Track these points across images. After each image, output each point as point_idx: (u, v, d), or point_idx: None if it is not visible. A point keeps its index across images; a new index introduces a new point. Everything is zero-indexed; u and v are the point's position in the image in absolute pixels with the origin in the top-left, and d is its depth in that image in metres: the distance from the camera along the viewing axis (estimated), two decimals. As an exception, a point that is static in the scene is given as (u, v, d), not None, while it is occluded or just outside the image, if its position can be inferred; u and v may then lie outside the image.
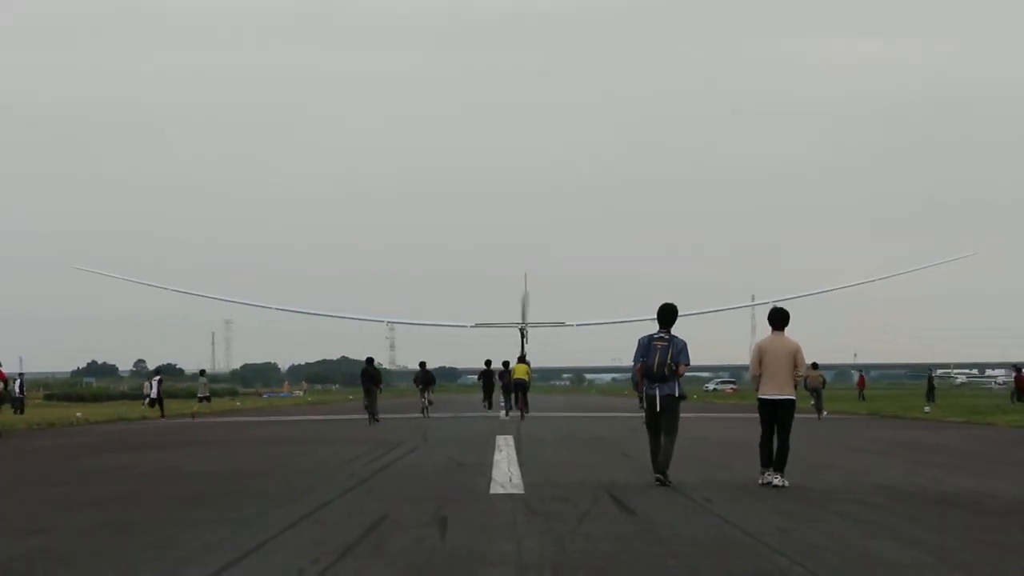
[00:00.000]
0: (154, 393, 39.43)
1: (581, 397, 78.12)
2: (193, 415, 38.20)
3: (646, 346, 11.57)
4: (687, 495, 10.48)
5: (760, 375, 11.53)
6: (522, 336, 58.79)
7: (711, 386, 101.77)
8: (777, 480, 11.28)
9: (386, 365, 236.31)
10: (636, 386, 12.21)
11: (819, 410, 32.44)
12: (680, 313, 11.91)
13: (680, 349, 11.53)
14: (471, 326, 76.60)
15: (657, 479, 11.45)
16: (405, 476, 12.68)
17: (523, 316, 59.22)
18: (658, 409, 11.52)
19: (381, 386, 30.86)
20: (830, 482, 11.86)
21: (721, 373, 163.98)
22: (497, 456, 15.36)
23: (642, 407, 11.89)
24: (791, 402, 11.49)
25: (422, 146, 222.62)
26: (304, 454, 16.94)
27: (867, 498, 10.31)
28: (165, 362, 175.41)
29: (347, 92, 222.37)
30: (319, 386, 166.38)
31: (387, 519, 8.79)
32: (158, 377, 40.72)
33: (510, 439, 19.55)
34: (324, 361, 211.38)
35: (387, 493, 10.87)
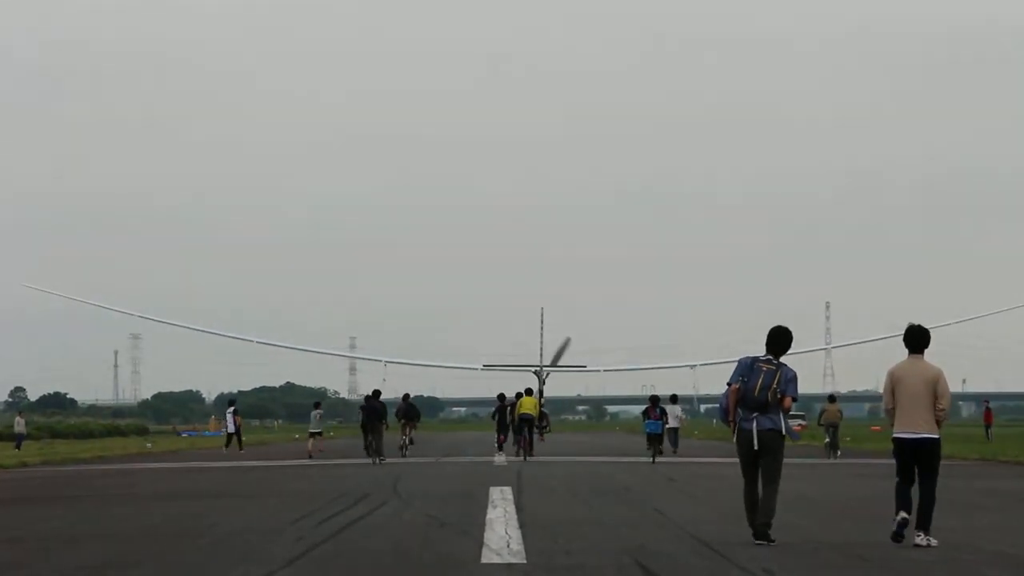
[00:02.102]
0: (231, 427, 42.95)
1: (601, 436, 78.12)
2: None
3: (748, 367, 11.93)
4: (742, 565, 10.49)
5: (893, 408, 11.84)
6: (539, 380, 60.46)
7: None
8: (921, 539, 11.57)
9: (344, 395, 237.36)
10: (725, 416, 12.30)
11: (834, 448, 35.27)
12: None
13: (790, 379, 11.89)
14: (480, 368, 79.46)
15: (757, 541, 11.77)
16: (370, 540, 12.66)
17: (541, 357, 61.52)
18: (756, 447, 11.85)
19: (386, 423, 34.89)
20: (931, 549, 11.87)
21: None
22: (491, 513, 15.36)
23: (732, 439, 12.16)
24: (934, 442, 11.78)
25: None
26: (237, 511, 16.93)
27: (980, 570, 10.31)
28: (52, 390, 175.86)
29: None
30: (257, 422, 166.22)
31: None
32: (233, 408, 44.05)
33: (507, 491, 19.55)
34: (263, 389, 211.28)
35: (345, 563, 10.85)
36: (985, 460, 34.15)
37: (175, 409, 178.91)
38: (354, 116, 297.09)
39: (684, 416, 40.68)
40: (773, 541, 11.76)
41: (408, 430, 38.47)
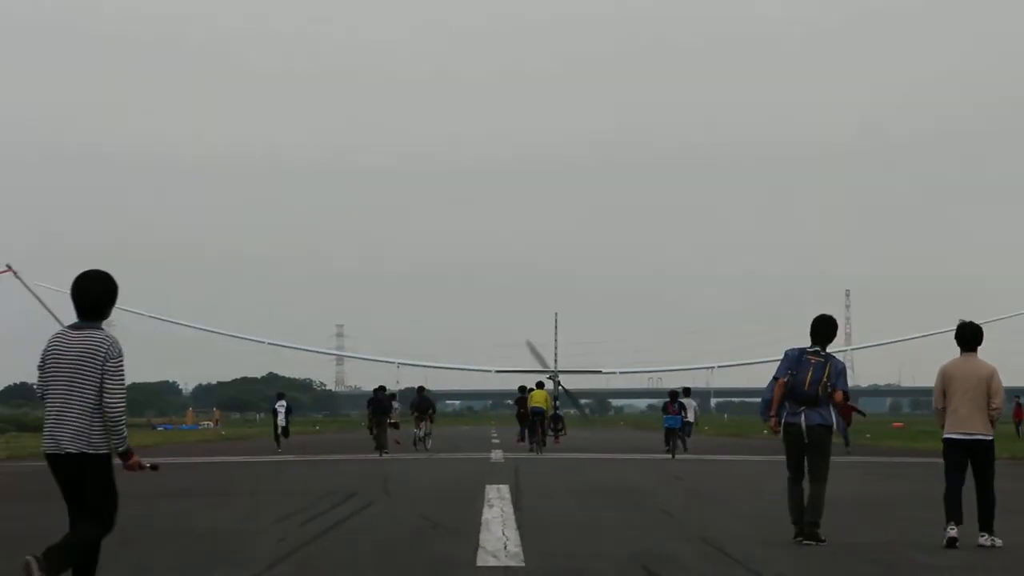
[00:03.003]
0: (283, 420, 42.93)
1: (605, 432, 78.25)
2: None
3: (796, 359, 12.19)
4: (755, 570, 10.48)
5: (944, 408, 12.06)
6: (554, 384, 61.92)
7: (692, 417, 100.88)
8: (986, 540, 11.82)
9: (330, 386, 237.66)
10: (766, 409, 12.49)
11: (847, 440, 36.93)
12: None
13: (839, 371, 12.17)
14: (494, 371, 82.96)
15: (801, 540, 11.97)
16: (357, 542, 12.66)
17: (556, 362, 63.41)
18: (806, 441, 12.11)
19: (392, 417, 38.39)
20: (956, 555, 11.87)
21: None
22: (487, 514, 15.36)
23: (776, 432, 12.40)
24: (988, 443, 12.00)
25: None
26: (216, 510, 16.92)
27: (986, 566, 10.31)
28: (17, 380, 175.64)
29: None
30: (237, 415, 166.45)
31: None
32: (283, 401, 43.79)
33: (505, 490, 19.56)
34: (245, 380, 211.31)
35: (331, 566, 10.85)
36: (1016, 459, 34.24)
37: (149, 400, 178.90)
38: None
39: (697, 410, 41.27)
40: (823, 540, 11.97)
41: (424, 423, 40.25)
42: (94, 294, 8.12)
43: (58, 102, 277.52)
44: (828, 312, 12.60)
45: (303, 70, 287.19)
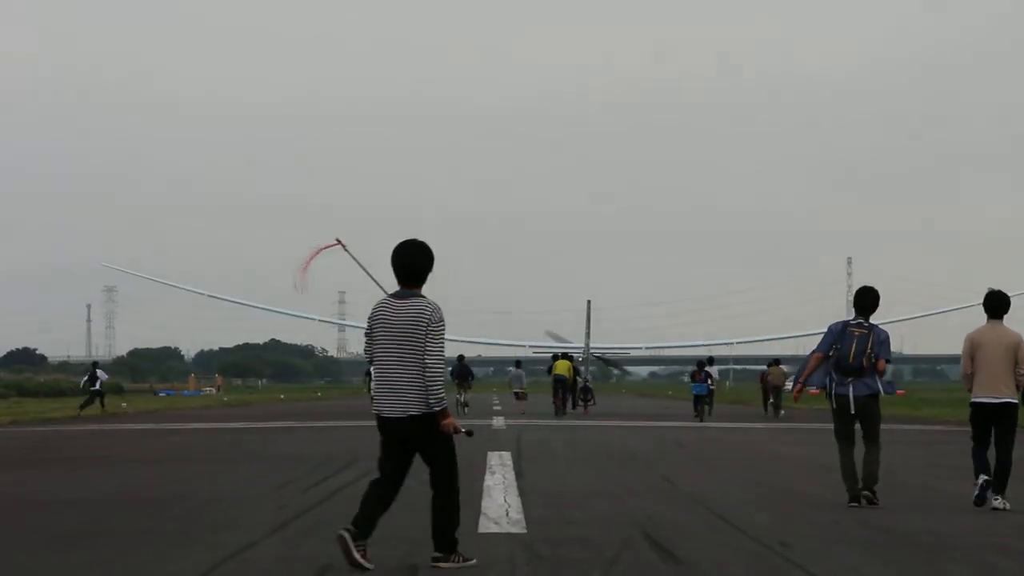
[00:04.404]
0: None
1: (606, 398, 78.35)
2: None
3: (839, 333, 12.76)
4: (754, 536, 10.50)
5: (972, 373, 12.62)
6: (584, 360, 63.42)
7: (788, 385, 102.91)
8: (999, 502, 12.35)
9: (332, 353, 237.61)
10: (797, 380, 13.32)
11: (777, 409, 42.06)
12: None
13: (882, 341, 12.69)
14: (529, 346, 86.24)
15: (854, 503, 12.53)
16: (357, 508, 12.66)
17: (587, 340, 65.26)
18: (852, 411, 12.66)
19: None
20: (958, 522, 11.90)
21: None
22: (489, 480, 15.39)
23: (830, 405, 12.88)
24: (1012, 407, 12.53)
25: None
26: (218, 476, 16.97)
27: (1009, 543, 10.35)
28: (20, 345, 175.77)
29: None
30: (239, 381, 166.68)
31: (332, 570, 8.80)
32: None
33: (506, 456, 19.59)
34: (247, 346, 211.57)
35: (332, 532, 10.87)
36: None
37: (152, 367, 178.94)
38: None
39: (717, 378, 43.38)
40: (878, 502, 12.54)
41: (463, 391, 43.20)
42: (415, 262, 8.67)
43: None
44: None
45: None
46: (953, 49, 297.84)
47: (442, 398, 8.57)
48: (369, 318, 8.74)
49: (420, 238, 8.82)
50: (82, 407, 43.48)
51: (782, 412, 41.94)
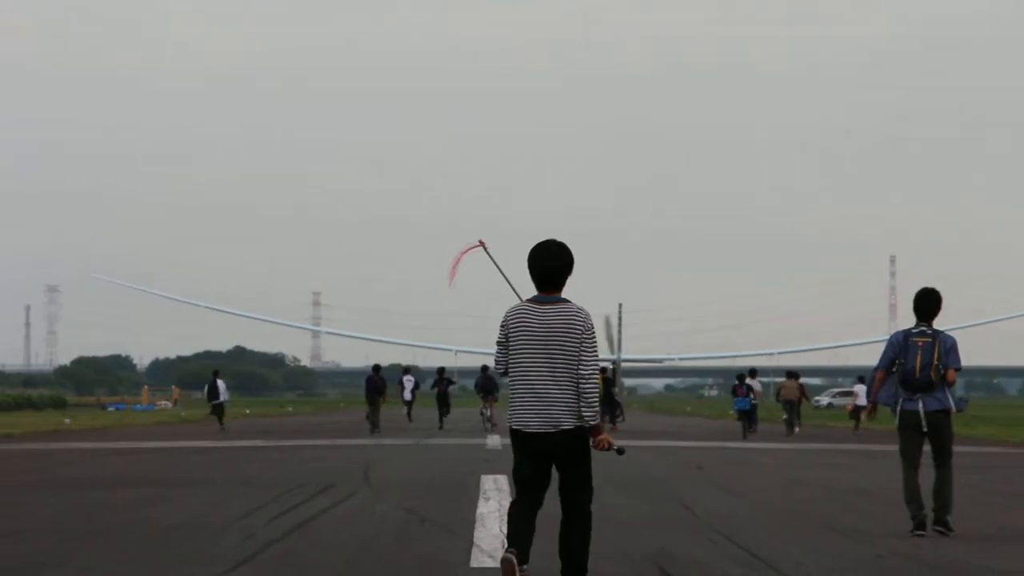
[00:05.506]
0: (408, 395, 48.00)
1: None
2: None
3: (902, 343, 12.83)
4: (785, 573, 10.48)
5: None
6: (614, 373, 64.51)
7: (824, 400, 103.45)
8: None
9: (305, 362, 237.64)
10: (869, 397, 13.29)
11: (791, 425, 42.79)
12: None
13: (950, 348, 12.75)
14: None
15: (920, 531, 12.63)
16: (335, 539, 12.65)
17: (612, 348, 66.04)
18: (925, 429, 12.77)
19: (385, 396, 43.37)
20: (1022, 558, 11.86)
21: (840, 380, 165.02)
22: (483, 507, 15.36)
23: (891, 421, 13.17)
24: None
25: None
26: (173, 502, 16.92)
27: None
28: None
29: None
30: (199, 394, 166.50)
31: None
32: (410, 375, 48.99)
33: (502, 480, 19.55)
34: (207, 355, 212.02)
35: (304, 566, 10.82)
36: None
37: (100, 378, 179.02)
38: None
39: (760, 390, 43.99)
40: (952, 531, 12.56)
41: (489, 405, 45.30)
42: (557, 264, 8.84)
43: None
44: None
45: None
46: None
47: (598, 411, 8.79)
48: (504, 325, 8.87)
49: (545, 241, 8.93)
50: (220, 421, 46.25)
51: (797, 429, 43.01)
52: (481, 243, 10.13)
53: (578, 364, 8.68)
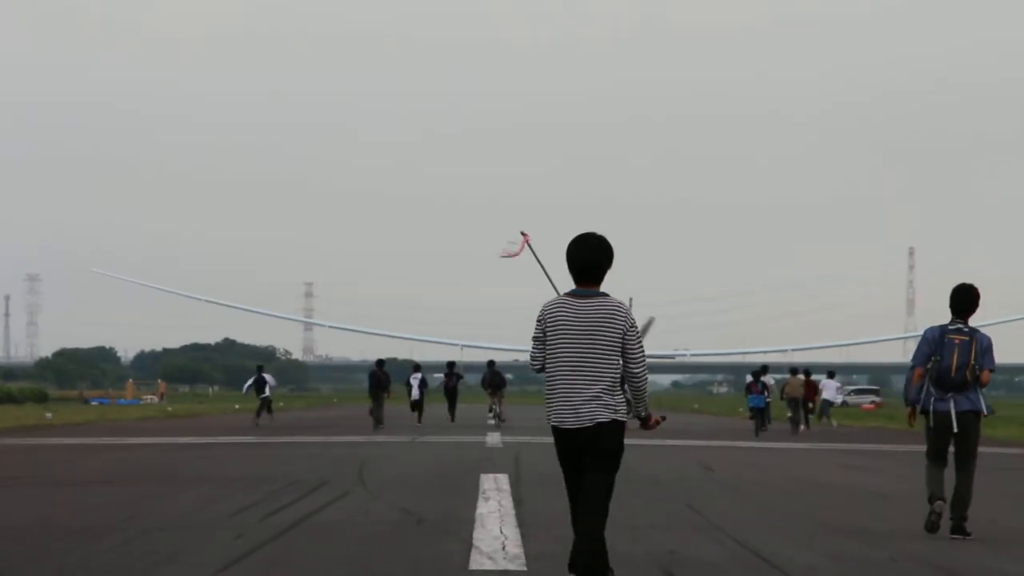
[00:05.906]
0: (416, 394, 47.65)
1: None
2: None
3: (937, 340, 12.85)
4: (797, 578, 10.49)
5: None
6: None
7: (839, 398, 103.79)
8: None
9: (297, 355, 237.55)
10: (907, 395, 13.33)
11: (796, 424, 43.01)
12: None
13: (986, 348, 12.82)
14: None
15: (937, 502, 12.74)
16: (327, 539, 12.68)
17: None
18: (955, 430, 12.82)
19: (389, 392, 44.32)
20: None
21: (855, 378, 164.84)
22: (483, 507, 15.39)
23: (927, 425, 13.07)
24: None
25: None
26: (161, 500, 16.95)
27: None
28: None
29: None
30: (187, 387, 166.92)
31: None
32: (420, 374, 47.93)
33: (503, 480, 19.59)
34: (195, 347, 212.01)
35: (294, 569, 10.85)
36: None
37: (82, 370, 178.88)
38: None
39: (773, 386, 44.15)
40: (969, 534, 12.63)
41: (497, 401, 46.83)
42: (596, 258, 8.88)
43: None
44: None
45: None
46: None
47: (646, 404, 9.11)
48: (541, 319, 8.93)
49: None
50: (258, 414, 46.78)
51: (802, 428, 43.35)
52: (523, 235, 10.22)
53: (624, 360, 8.79)
